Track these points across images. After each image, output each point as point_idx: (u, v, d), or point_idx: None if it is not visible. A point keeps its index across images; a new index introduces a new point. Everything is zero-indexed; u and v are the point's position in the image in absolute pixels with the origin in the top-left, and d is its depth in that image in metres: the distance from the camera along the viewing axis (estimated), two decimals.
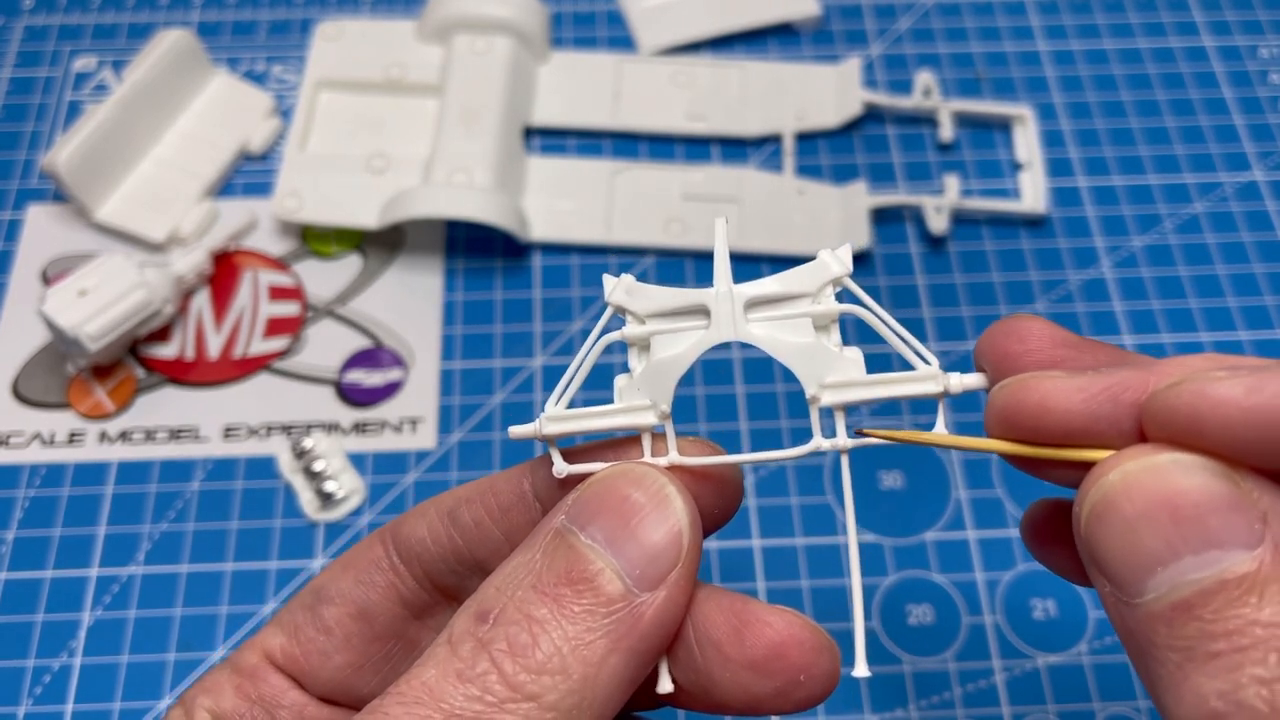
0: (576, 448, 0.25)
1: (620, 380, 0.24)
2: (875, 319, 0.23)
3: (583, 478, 0.23)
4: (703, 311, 0.24)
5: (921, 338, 0.48)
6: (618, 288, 0.24)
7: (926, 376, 0.23)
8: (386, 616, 0.26)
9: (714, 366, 0.48)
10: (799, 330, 0.23)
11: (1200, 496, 0.18)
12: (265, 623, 0.27)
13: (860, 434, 0.23)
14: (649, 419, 0.24)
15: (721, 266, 0.24)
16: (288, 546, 0.44)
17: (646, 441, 0.24)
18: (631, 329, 0.24)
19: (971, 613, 0.42)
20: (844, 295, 0.24)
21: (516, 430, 0.24)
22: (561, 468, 0.24)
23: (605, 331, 0.24)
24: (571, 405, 0.24)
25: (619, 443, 0.24)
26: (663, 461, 0.24)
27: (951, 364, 0.48)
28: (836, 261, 0.24)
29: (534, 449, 0.45)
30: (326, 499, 0.44)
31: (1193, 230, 0.52)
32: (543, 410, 0.24)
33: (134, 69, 0.51)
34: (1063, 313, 0.49)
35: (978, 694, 0.41)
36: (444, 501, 0.26)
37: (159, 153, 0.52)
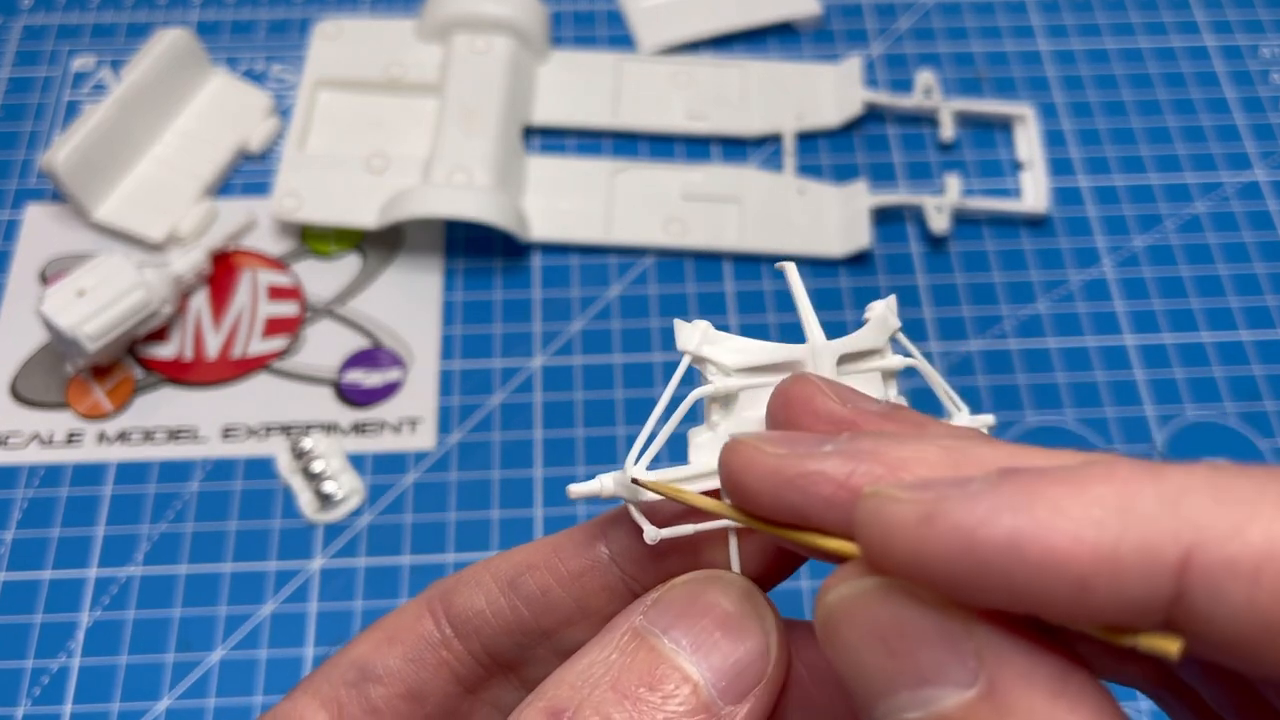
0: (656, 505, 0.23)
1: (698, 435, 0.23)
2: (927, 369, 0.23)
3: (674, 543, 0.22)
4: (788, 365, 0.23)
5: (922, 338, 0.48)
6: (695, 335, 0.22)
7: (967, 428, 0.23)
8: (439, 695, 0.25)
9: None
10: (873, 385, 0.23)
11: (909, 629, 0.17)
12: (294, 687, 0.25)
13: (634, 482, 0.22)
14: None
15: (810, 320, 0.23)
16: (287, 547, 0.44)
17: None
18: (721, 383, 0.22)
19: None
20: (894, 345, 0.24)
21: (577, 489, 0.22)
22: (654, 534, 0.22)
23: (685, 381, 0.22)
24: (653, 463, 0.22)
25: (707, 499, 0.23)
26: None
27: (951, 365, 0.48)
28: (893, 315, 0.23)
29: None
30: (326, 500, 0.44)
31: (1194, 230, 0.52)
32: (621, 466, 0.22)
33: (132, 68, 0.51)
34: (1064, 313, 0.49)
35: None
36: (500, 568, 0.24)
37: (158, 152, 0.52)
